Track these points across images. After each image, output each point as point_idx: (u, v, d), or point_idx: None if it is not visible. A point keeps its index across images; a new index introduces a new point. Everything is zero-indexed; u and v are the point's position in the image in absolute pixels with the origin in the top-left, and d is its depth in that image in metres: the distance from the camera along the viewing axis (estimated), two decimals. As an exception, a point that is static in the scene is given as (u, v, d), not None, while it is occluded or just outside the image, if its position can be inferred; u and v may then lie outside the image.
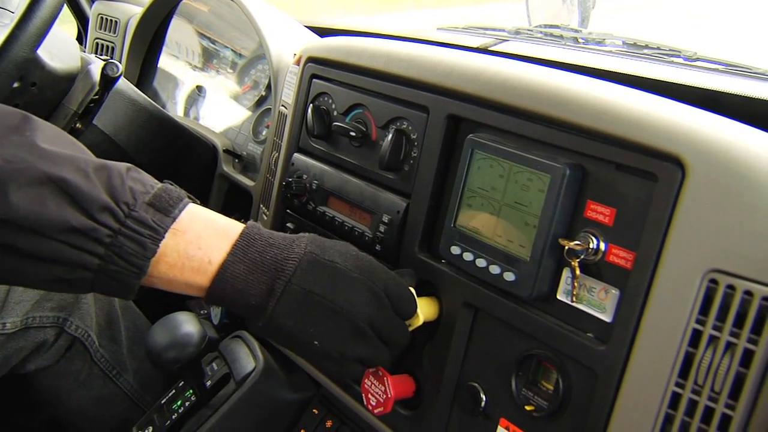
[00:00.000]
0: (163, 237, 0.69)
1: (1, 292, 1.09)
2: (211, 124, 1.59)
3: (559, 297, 0.76)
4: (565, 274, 0.75)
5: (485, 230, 0.81)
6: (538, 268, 0.75)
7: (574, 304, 0.74)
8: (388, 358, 0.82)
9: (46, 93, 1.21)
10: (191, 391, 1.15)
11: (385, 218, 0.94)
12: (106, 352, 1.22)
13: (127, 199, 0.68)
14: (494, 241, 0.80)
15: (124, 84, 1.30)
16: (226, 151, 1.44)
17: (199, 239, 0.72)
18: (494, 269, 0.79)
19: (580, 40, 1.32)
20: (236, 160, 1.45)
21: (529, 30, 1.43)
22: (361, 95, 1.00)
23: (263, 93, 1.49)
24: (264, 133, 1.45)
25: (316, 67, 1.09)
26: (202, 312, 1.35)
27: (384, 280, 0.79)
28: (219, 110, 1.63)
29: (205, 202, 1.48)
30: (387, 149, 0.93)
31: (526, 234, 0.77)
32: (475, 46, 1.40)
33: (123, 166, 0.72)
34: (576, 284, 0.73)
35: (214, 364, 1.17)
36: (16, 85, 1.13)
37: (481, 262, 0.81)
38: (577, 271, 0.72)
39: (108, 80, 1.24)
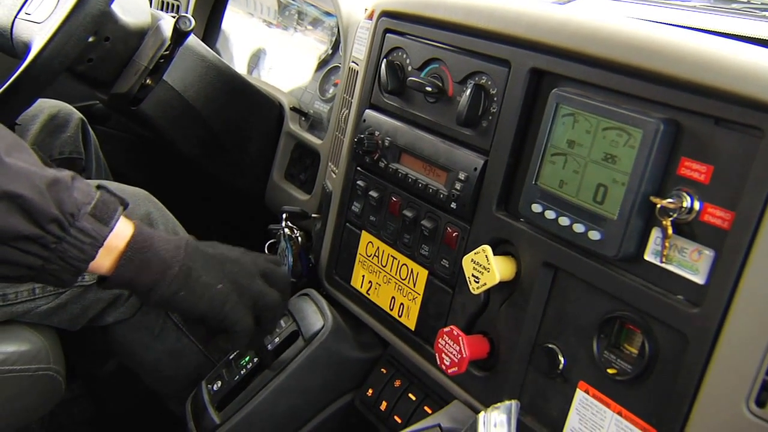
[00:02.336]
0: (102, 245, 0.82)
1: None
2: (276, 82, 1.58)
3: (646, 257, 0.73)
4: (654, 233, 0.72)
5: (569, 188, 0.78)
6: (625, 226, 0.72)
7: (663, 265, 0.71)
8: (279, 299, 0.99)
9: (118, 48, 1.21)
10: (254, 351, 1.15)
11: (462, 175, 0.92)
12: None
13: (73, 210, 0.80)
14: (579, 198, 0.77)
15: (194, 40, 1.29)
16: (293, 109, 1.43)
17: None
18: (578, 228, 0.76)
19: (661, -5, 1.26)
20: (303, 118, 1.44)
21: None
22: (438, 49, 0.98)
23: (329, 51, 1.47)
24: (331, 91, 1.43)
25: (390, 21, 1.06)
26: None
27: (256, 255, 0.99)
28: (283, 69, 1.62)
29: (270, 160, 1.47)
30: (465, 105, 0.90)
31: (613, 191, 0.74)
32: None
33: (68, 175, 0.82)
34: (667, 244, 0.70)
35: (282, 321, 1.17)
36: (90, 39, 1.13)
37: (564, 221, 0.78)
38: (669, 231, 0.69)
39: (180, 35, 1.23)
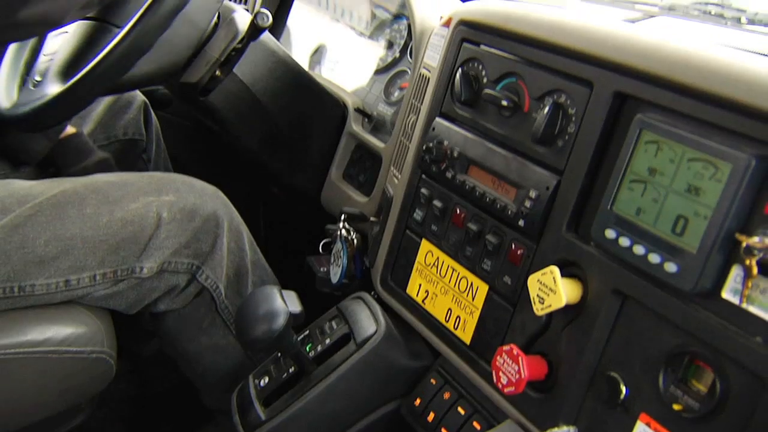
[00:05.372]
0: None
1: (144, 237, 1.12)
2: (341, 81, 1.58)
3: (724, 295, 0.71)
4: (735, 271, 0.70)
5: (647, 216, 0.77)
6: (705, 261, 0.70)
7: (743, 305, 0.69)
8: None
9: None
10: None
11: (533, 193, 0.91)
12: (231, 304, 1.24)
13: None
14: (656, 228, 0.75)
15: (266, 35, 1.30)
16: (357, 110, 1.43)
17: None
18: (654, 258, 0.75)
19: (743, 21, 1.23)
20: (366, 120, 1.44)
21: (684, 6, 1.35)
22: (516, 64, 0.96)
23: (397, 55, 1.47)
24: (396, 94, 1.43)
25: (468, 30, 1.05)
26: (321, 269, 1.35)
27: None
28: (348, 68, 1.62)
29: (330, 159, 1.47)
30: (543, 122, 0.89)
31: (695, 224, 0.72)
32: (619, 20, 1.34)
33: None
34: (749, 284, 0.68)
35: (333, 323, 1.17)
36: None
37: (639, 249, 0.76)
38: (754, 271, 0.67)
39: (256, 30, 1.24)
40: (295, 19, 1.81)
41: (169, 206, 1.15)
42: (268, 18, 1.22)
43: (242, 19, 1.27)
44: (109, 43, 1.04)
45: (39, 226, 1.05)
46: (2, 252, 1.03)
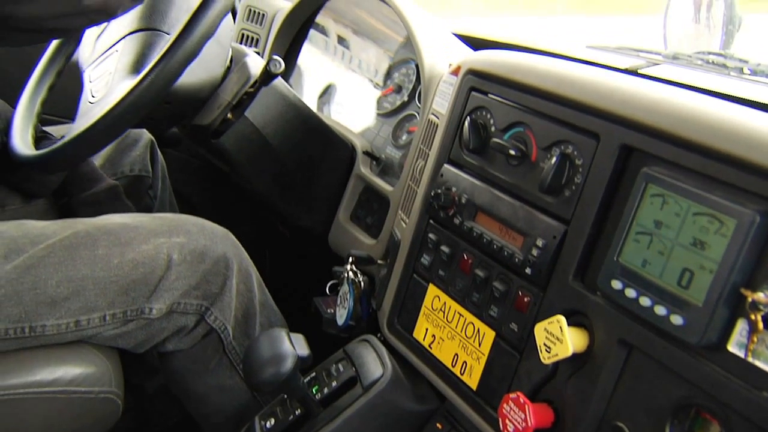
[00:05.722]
0: None
1: (154, 278, 1.13)
2: (348, 122, 1.60)
3: (729, 348, 0.72)
4: (740, 325, 0.71)
5: (653, 268, 0.78)
6: (711, 315, 0.71)
7: (748, 359, 0.70)
8: None
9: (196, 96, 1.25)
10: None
11: (540, 242, 0.92)
12: (238, 345, 1.25)
13: None
14: (662, 281, 0.76)
15: (277, 79, 1.32)
16: (366, 153, 1.45)
17: None
18: (660, 310, 0.76)
19: (746, 71, 1.25)
20: (374, 163, 1.46)
21: (687, 56, 1.38)
22: (524, 114, 0.98)
23: (405, 99, 1.49)
24: (404, 137, 1.45)
25: (476, 80, 1.08)
26: (328, 311, 1.36)
27: None
28: (356, 110, 1.64)
29: (338, 201, 1.49)
30: (550, 172, 0.91)
31: (700, 278, 0.73)
32: (623, 67, 1.36)
33: None
34: (755, 339, 0.69)
35: (340, 365, 1.18)
36: None
37: (645, 301, 0.77)
38: (760, 326, 0.68)
39: (268, 76, 1.26)
40: (304, 58, 1.84)
41: (179, 248, 1.16)
42: (281, 65, 1.25)
43: (255, 63, 1.30)
44: (164, 51, 1.06)
45: (51, 267, 1.07)
46: (14, 292, 1.04)
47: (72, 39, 1.36)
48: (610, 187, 0.86)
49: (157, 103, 1.07)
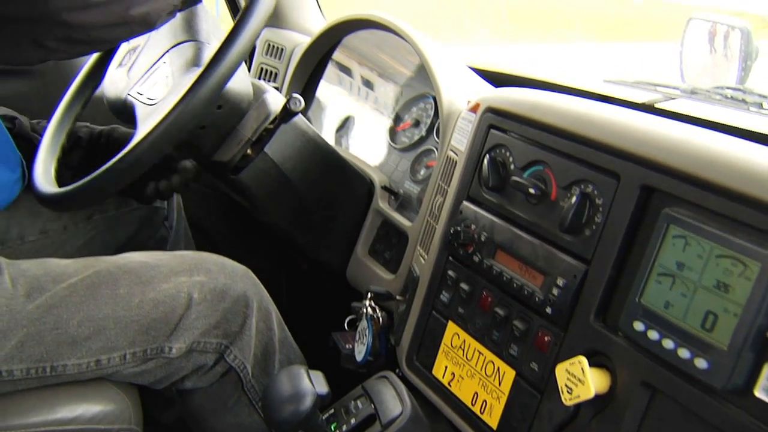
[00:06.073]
0: None
1: (174, 317, 1.14)
2: (365, 156, 1.61)
3: (756, 393, 0.71)
4: (767, 369, 0.70)
5: (675, 310, 0.77)
6: (736, 359, 0.71)
7: (775, 404, 0.69)
8: None
9: (227, 116, 1.25)
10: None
11: (560, 281, 0.92)
12: (257, 383, 1.25)
13: None
14: (686, 323, 0.76)
15: (298, 116, 1.33)
16: (384, 188, 1.45)
17: None
18: (684, 353, 0.75)
19: (765, 106, 1.25)
20: (392, 197, 1.46)
21: (706, 91, 1.38)
22: (543, 152, 0.99)
23: (423, 133, 1.50)
24: (422, 172, 1.45)
25: (495, 117, 1.08)
26: (347, 346, 1.36)
27: None
28: (374, 144, 1.65)
29: (356, 235, 1.49)
30: (570, 212, 0.91)
31: (724, 321, 0.72)
32: (640, 102, 1.36)
33: None
34: (781, 384, 0.68)
35: (359, 402, 1.17)
36: None
37: (668, 344, 0.77)
38: (786, 371, 0.67)
39: (288, 113, 1.27)
40: (322, 90, 1.86)
41: (200, 287, 1.17)
42: (301, 103, 1.26)
43: (274, 100, 1.31)
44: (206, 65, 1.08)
45: (73, 307, 1.08)
46: (37, 332, 1.05)
47: (98, 72, 1.38)
48: (631, 227, 0.86)
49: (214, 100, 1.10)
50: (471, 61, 1.61)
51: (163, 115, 1.07)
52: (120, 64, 1.30)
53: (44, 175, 1.21)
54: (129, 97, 1.29)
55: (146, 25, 0.97)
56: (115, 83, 1.38)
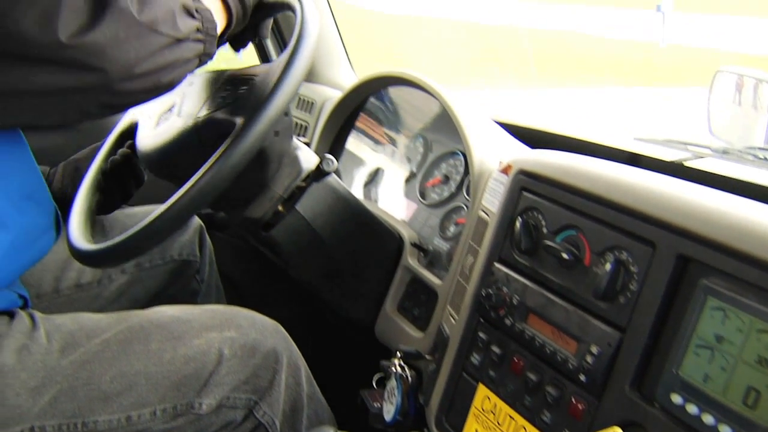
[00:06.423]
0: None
1: (205, 373, 1.14)
2: (394, 211, 1.62)
3: (799, 473, 0.69)
4: (811, 449, 0.69)
5: (715, 384, 0.76)
6: (779, 438, 0.69)
7: (820, 486, 0.67)
8: None
9: (260, 172, 1.26)
10: None
11: (594, 348, 0.91)
12: None
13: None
14: (726, 398, 0.75)
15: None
16: (414, 245, 1.45)
17: None
18: (725, 430, 0.74)
19: (799, 168, 1.24)
20: (422, 254, 1.46)
21: (738, 151, 1.37)
22: (576, 217, 0.98)
23: (453, 190, 1.50)
24: (452, 229, 1.45)
25: (527, 180, 1.08)
26: (375, 405, 1.34)
27: None
28: (402, 199, 1.66)
29: (385, 292, 1.49)
30: (605, 279, 0.90)
31: (767, 398, 0.71)
32: (668, 160, 1.36)
33: None
34: (827, 466, 0.67)
35: (388, 462, 1.16)
36: None
37: (708, 419, 0.75)
38: (831, 453, 0.66)
39: (320, 173, 1.29)
40: (351, 142, 1.87)
41: (230, 342, 1.17)
42: (333, 163, 1.27)
43: (306, 158, 1.32)
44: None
45: (106, 363, 1.08)
46: (70, 388, 1.05)
47: (133, 129, 1.41)
48: (667, 296, 0.85)
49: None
50: (497, 115, 1.62)
51: (202, 171, 1.08)
52: (157, 125, 1.32)
53: (80, 230, 1.22)
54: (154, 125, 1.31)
55: (171, 88, 1.00)
56: (150, 139, 1.40)
